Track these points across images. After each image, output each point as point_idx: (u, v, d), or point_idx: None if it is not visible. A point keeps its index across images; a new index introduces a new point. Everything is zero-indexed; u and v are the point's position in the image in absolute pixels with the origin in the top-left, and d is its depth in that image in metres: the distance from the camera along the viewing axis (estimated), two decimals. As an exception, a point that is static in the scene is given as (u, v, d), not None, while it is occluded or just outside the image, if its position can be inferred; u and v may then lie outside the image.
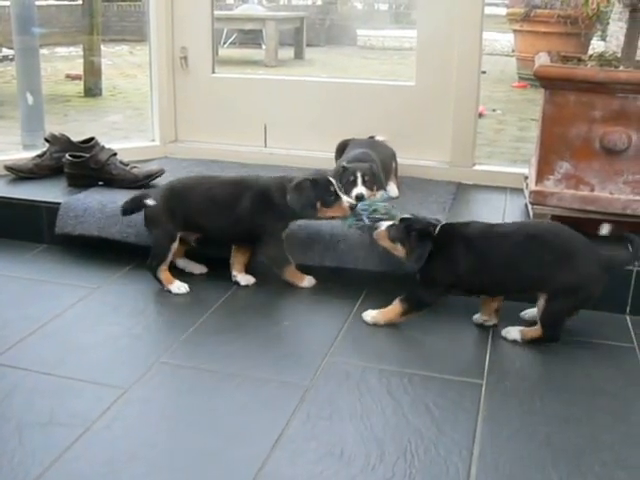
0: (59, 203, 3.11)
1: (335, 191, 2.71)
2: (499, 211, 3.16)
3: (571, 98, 2.72)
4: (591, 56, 3.00)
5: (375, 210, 2.82)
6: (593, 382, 2.23)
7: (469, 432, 1.96)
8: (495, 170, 3.65)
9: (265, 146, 3.88)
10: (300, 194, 2.68)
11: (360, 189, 3.01)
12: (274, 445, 1.88)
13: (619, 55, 2.95)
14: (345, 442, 1.90)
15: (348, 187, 3.02)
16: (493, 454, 1.87)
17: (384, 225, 2.61)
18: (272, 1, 13.03)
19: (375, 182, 3.08)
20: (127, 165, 3.30)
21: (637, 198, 2.74)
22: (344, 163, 3.12)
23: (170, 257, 2.78)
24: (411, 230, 2.50)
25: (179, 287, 2.76)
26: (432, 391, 2.15)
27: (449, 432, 1.96)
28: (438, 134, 3.62)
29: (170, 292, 2.75)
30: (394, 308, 2.54)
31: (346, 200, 2.74)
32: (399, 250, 2.56)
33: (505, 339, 2.46)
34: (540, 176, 2.81)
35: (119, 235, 2.96)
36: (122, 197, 3.01)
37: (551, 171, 2.79)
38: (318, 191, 2.68)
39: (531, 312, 2.57)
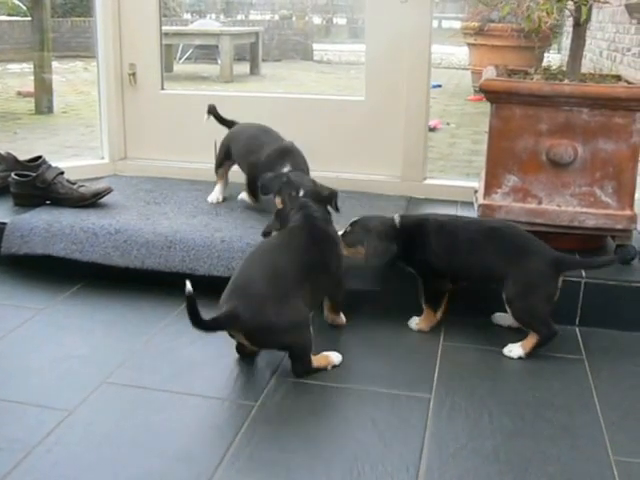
0: (5, 223, 3.05)
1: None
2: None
3: (517, 112, 2.74)
4: (537, 70, 3.02)
5: None
6: (541, 395, 2.24)
7: (416, 447, 1.95)
8: (446, 184, 3.66)
9: (215, 162, 3.84)
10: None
11: None
12: (218, 465, 1.85)
13: (565, 69, 2.98)
14: (291, 460, 1.88)
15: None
16: (440, 470, 1.86)
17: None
18: (229, 16, 13.03)
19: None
20: (74, 184, 3.25)
21: (584, 210, 2.76)
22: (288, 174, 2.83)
23: None
24: (369, 229, 2.57)
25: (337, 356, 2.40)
26: (379, 407, 2.14)
27: (396, 448, 1.95)
28: (389, 148, 3.62)
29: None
30: (427, 313, 2.61)
31: None
32: (361, 252, 2.57)
33: (511, 358, 2.45)
34: (488, 189, 2.83)
35: (63, 252, 2.91)
36: (69, 216, 3.04)
37: (499, 184, 2.80)
38: None
39: (500, 315, 2.64)
